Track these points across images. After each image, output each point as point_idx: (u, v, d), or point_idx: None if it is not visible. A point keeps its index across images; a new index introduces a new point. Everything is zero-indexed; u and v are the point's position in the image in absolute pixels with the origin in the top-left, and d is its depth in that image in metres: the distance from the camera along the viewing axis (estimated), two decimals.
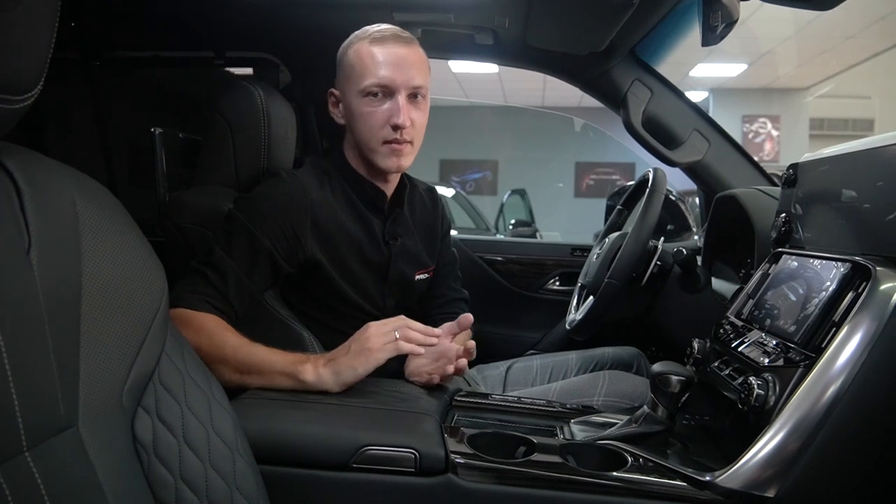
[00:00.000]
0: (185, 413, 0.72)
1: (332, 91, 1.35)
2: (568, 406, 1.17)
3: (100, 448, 0.61)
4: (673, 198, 2.23)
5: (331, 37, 1.38)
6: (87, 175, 0.69)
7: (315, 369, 1.07)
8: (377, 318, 1.31)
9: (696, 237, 2.15)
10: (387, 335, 1.09)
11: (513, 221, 6.16)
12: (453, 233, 1.91)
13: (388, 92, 1.26)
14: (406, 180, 1.42)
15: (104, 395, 0.63)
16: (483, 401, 1.14)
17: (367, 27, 1.31)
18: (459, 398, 1.13)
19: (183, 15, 1.78)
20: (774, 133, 10.07)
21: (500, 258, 2.21)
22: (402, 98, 1.25)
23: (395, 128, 1.26)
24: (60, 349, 0.59)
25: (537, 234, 5.76)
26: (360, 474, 0.88)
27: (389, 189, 1.37)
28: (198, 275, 1.17)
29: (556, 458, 0.91)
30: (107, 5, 1.72)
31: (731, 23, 1.01)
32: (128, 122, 2.25)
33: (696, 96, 9.57)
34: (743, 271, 1.52)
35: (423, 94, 1.30)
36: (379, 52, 1.26)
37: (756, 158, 1.83)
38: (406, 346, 1.09)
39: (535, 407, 1.15)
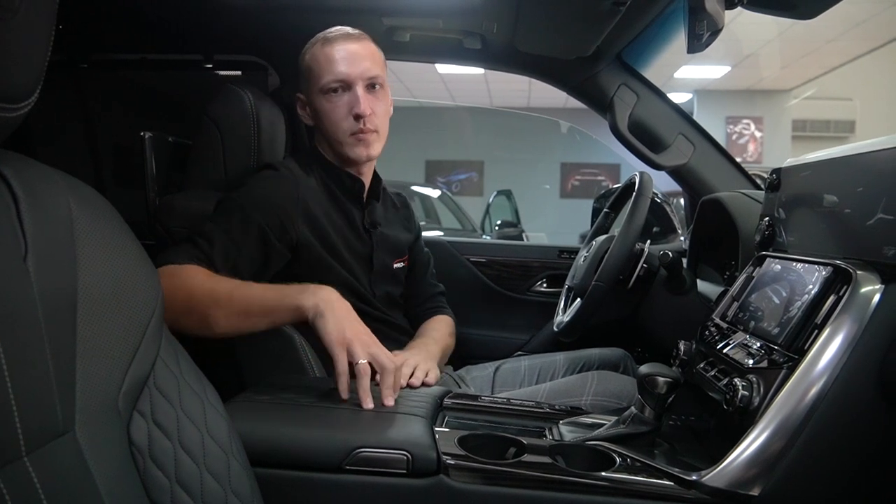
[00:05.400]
0: (179, 416, 0.72)
1: (299, 95, 1.43)
2: (557, 407, 1.19)
3: (96, 452, 0.61)
4: (658, 200, 2.25)
5: None
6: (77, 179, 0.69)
7: (314, 299, 1.10)
8: (367, 309, 1.35)
9: (681, 238, 2.16)
10: (357, 354, 1.05)
11: (499, 222, 6.18)
12: (439, 233, 1.92)
13: (345, 86, 1.34)
14: (379, 176, 1.49)
15: (100, 400, 0.64)
16: (473, 402, 1.15)
17: (319, 33, 1.39)
18: (449, 400, 1.14)
19: (171, 17, 1.78)
20: (758, 134, 10.16)
21: (487, 260, 2.22)
22: (359, 89, 1.33)
23: (358, 117, 1.33)
24: (57, 355, 0.60)
25: (523, 235, 5.78)
26: (353, 476, 0.89)
27: (366, 180, 1.44)
28: (186, 242, 1.22)
29: (545, 459, 0.92)
30: (94, 7, 1.71)
31: (716, 31, 1.03)
32: (115, 124, 2.24)
33: (680, 98, 9.65)
34: (727, 273, 1.54)
35: (381, 83, 1.37)
36: (331, 50, 1.34)
37: (739, 159, 1.85)
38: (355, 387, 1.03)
39: (525, 408, 1.16)
